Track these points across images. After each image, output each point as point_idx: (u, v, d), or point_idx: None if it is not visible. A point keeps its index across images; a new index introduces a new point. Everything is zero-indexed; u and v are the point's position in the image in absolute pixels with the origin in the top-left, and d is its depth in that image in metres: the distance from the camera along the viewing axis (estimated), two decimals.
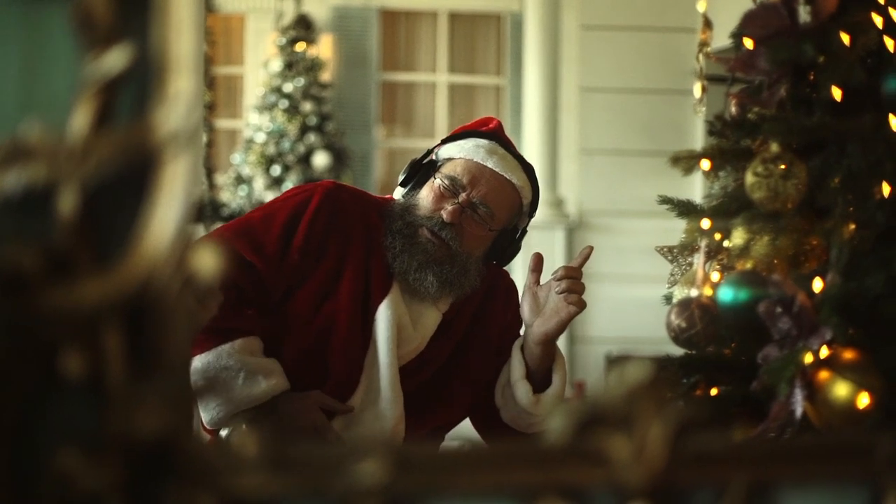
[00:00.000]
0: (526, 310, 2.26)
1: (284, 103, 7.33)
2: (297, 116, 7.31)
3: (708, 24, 2.16)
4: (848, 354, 1.77)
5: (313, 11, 7.41)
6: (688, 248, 2.16)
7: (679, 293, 2.12)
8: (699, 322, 1.95)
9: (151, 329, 0.91)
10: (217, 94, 7.49)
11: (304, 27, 7.36)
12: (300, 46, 7.34)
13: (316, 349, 2.15)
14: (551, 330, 2.23)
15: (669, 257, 2.22)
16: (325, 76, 7.50)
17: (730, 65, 2.01)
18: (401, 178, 2.31)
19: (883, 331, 1.84)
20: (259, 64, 7.61)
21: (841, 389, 1.74)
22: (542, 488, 0.94)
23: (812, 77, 1.97)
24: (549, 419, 0.96)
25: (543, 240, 7.08)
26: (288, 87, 7.33)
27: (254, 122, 7.49)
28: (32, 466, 0.90)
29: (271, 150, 7.35)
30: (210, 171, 6.57)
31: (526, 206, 2.32)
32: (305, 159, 7.38)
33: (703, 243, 2.05)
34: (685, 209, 2.12)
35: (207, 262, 0.92)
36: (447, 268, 2.20)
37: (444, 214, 2.19)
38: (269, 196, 7.31)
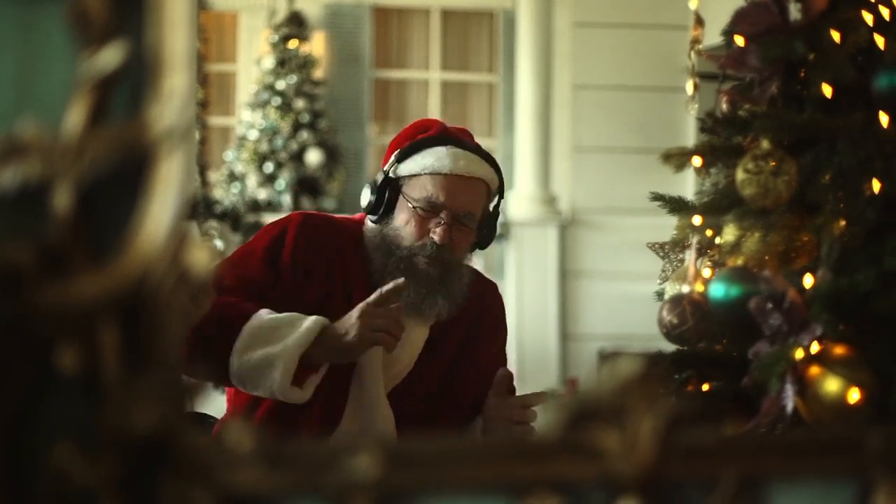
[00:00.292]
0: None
1: (277, 100, 7.34)
2: (290, 113, 7.31)
3: (700, 21, 2.17)
4: (838, 350, 1.78)
5: (306, 8, 7.42)
6: (679, 245, 2.17)
7: (671, 289, 2.13)
8: (691, 318, 1.96)
9: (146, 325, 0.91)
10: (210, 91, 7.48)
11: (296, 24, 7.36)
12: (293, 44, 7.35)
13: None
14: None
15: (661, 254, 2.22)
16: (318, 73, 7.51)
17: (721, 62, 2.02)
18: (364, 202, 2.24)
19: (873, 327, 1.85)
20: (252, 61, 7.62)
21: (831, 385, 1.75)
22: (535, 482, 0.95)
23: (803, 74, 1.98)
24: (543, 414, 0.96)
25: (536, 237, 7.10)
26: (281, 85, 7.34)
27: (246, 120, 7.49)
28: (28, 462, 0.91)
29: (264, 147, 7.35)
30: (203, 169, 6.57)
31: (494, 191, 2.28)
32: (298, 156, 7.38)
33: (694, 240, 2.06)
34: (677, 206, 2.13)
35: (201, 258, 0.92)
36: (448, 282, 2.19)
37: (435, 237, 2.16)
38: (262, 193, 7.31)
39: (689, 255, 2.07)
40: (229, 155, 7.51)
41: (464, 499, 0.96)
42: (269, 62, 7.36)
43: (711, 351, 2.01)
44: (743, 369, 1.84)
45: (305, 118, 7.38)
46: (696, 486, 0.98)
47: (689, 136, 6.60)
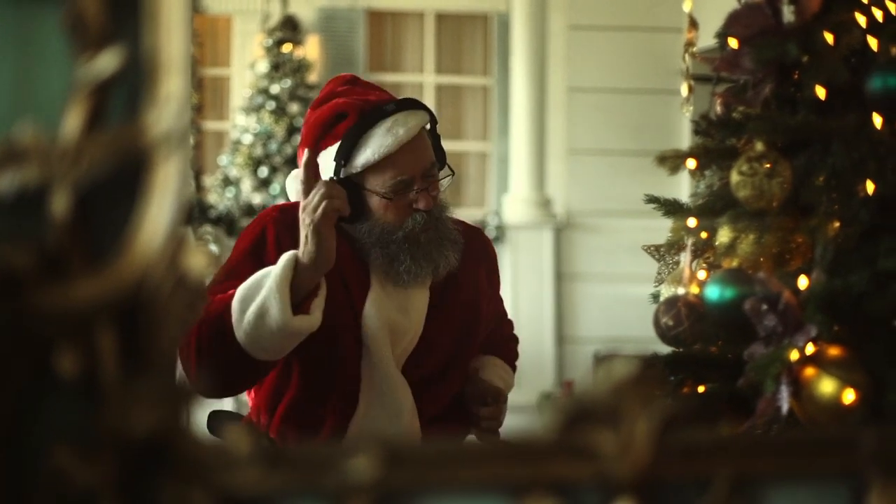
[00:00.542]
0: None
1: (271, 104, 7.33)
2: (284, 118, 7.31)
3: (694, 24, 2.18)
4: (833, 351, 1.79)
5: (300, 13, 7.42)
6: (674, 247, 2.18)
7: (666, 291, 2.13)
8: (686, 320, 1.97)
9: (144, 328, 0.92)
10: (204, 95, 7.48)
11: (290, 28, 7.36)
12: (287, 48, 7.34)
13: (318, 363, 2.13)
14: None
15: (656, 256, 2.23)
16: (312, 77, 7.51)
17: (715, 64, 2.02)
18: (292, 194, 2.19)
19: (867, 328, 1.86)
20: (246, 65, 7.61)
21: (826, 386, 1.76)
22: (531, 483, 0.96)
23: (796, 76, 1.99)
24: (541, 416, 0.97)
25: (532, 240, 7.11)
26: (275, 89, 7.34)
27: (241, 124, 7.48)
28: (27, 464, 0.91)
29: (258, 151, 7.35)
30: (197, 173, 6.56)
31: (427, 119, 2.23)
32: (293, 161, 7.38)
33: (689, 242, 2.06)
34: (671, 208, 2.14)
35: (199, 261, 0.93)
36: (445, 233, 2.19)
37: (421, 206, 2.15)
38: (257, 198, 7.31)
39: (685, 258, 2.08)
40: (224, 159, 7.51)
41: (461, 499, 0.97)
42: (263, 66, 7.36)
43: (707, 352, 2.02)
44: (738, 370, 1.85)
45: (300, 122, 7.38)
46: (691, 487, 0.99)
47: (684, 138, 6.61)
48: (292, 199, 2.21)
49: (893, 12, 1.98)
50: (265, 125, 7.34)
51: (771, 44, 1.93)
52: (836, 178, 1.92)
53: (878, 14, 1.97)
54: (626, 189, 6.81)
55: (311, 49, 7.53)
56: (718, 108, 2.10)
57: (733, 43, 1.99)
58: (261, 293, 2.00)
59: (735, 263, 1.93)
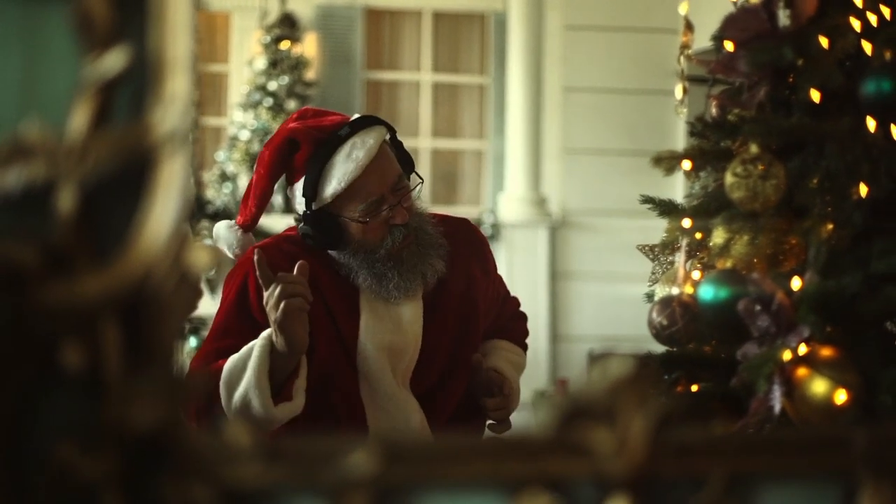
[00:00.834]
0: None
1: (269, 101, 7.33)
2: (282, 114, 7.31)
3: (689, 26, 2.19)
4: (825, 352, 1.80)
5: (298, 10, 7.41)
6: (669, 247, 2.19)
7: (660, 291, 2.14)
8: (680, 319, 1.98)
9: (148, 324, 0.93)
10: (202, 91, 7.48)
11: (288, 25, 7.36)
12: (285, 45, 7.34)
13: (320, 398, 2.12)
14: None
15: (651, 256, 2.24)
16: (310, 74, 7.51)
17: (711, 67, 2.03)
18: (226, 247, 2.22)
19: (859, 329, 1.87)
20: (244, 62, 7.61)
21: (819, 386, 1.77)
22: (528, 479, 0.97)
23: (791, 80, 2.00)
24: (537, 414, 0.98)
25: (527, 238, 7.11)
26: (272, 85, 7.34)
27: (238, 120, 7.48)
28: (31, 457, 0.93)
29: (255, 147, 7.34)
30: (196, 169, 6.55)
31: (385, 132, 2.22)
32: None
33: (683, 242, 2.07)
34: (666, 208, 2.15)
35: (201, 259, 0.94)
36: (428, 242, 2.20)
37: (397, 221, 2.15)
38: None
39: (679, 258, 2.09)
40: (221, 155, 7.51)
41: (459, 495, 0.98)
42: (260, 63, 7.36)
43: (700, 352, 2.03)
44: (731, 370, 1.86)
45: None
46: (685, 484, 1.00)
47: (679, 138, 6.63)
48: (223, 250, 2.22)
49: (888, 17, 1.99)
50: (262, 121, 7.34)
51: (766, 47, 1.94)
52: (829, 181, 1.93)
53: (873, 18, 1.98)
54: (621, 189, 6.82)
55: (308, 46, 7.53)
56: (713, 111, 2.11)
57: (729, 46, 2.00)
58: (242, 382, 2.03)
59: (729, 264, 1.94)
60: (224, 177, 7.42)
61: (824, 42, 1.95)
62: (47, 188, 0.93)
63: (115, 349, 0.92)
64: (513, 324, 2.50)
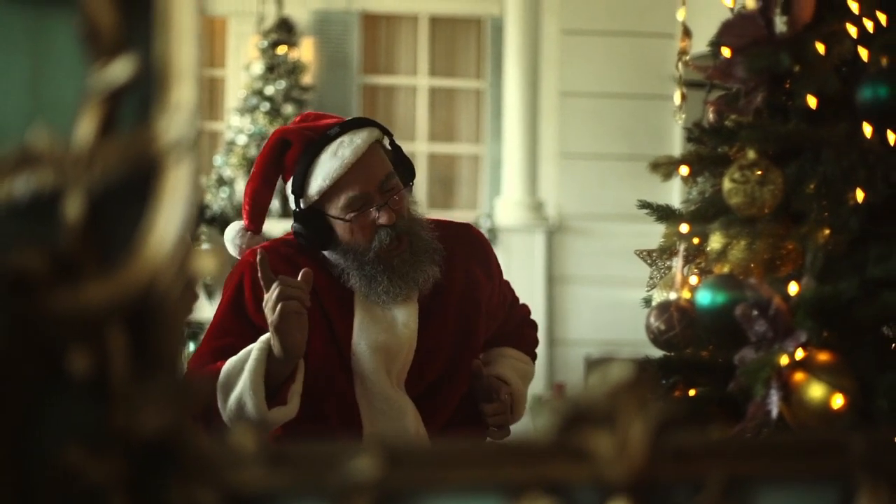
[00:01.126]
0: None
1: (266, 106, 7.34)
2: (279, 119, 7.31)
3: (687, 32, 2.20)
4: (822, 356, 1.81)
5: (295, 15, 7.42)
6: (666, 252, 2.20)
7: (658, 296, 2.15)
8: (678, 324, 1.98)
9: (153, 330, 0.94)
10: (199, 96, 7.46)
11: (285, 30, 7.37)
12: (281, 49, 7.35)
13: (315, 400, 2.13)
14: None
15: (648, 261, 2.25)
16: (307, 79, 7.51)
17: (708, 73, 2.04)
18: (233, 250, 2.24)
19: (856, 334, 1.88)
20: (241, 67, 7.61)
21: (816, 391, 1.78)
22: (528, 483, 0.98)
23: (788, 85, 2.00)
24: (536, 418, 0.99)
25: (524, 243, 7.12)
26: (269, 90, 7.34)
27: (235, 125, 7.49)
28: (39, 461, 0.93)
29: (252, 152, 7.35)
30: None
31: (380, 134, 2.23)
32: None
33: (681, 247, 2.08)
34: (664, 214, 2.16)
35: (207, 265, 0.95)
36: (420, 247, 2.20)
37: (384, 222, 2.14)
38: None
39: (677, 263, 2.10)
40: (218, 160, 7.51)
41: (460, 499, 0.99)
42: (257, 68, 7.36)
43: (698, 357, 2.04)
44: (729, 375, 1.86)
45: None
46: (684, 488, 1.01)
47: (676, 143, 6.64)
48: (231, 252, 2.24)
49: (884, 23, 2.00)
50: (259, 126, 7.34)
51: (763, 53, 1.95)
52: (826, 186, 1.94)
53: (869, 25, 1.99)
54: (618, 193, 6.84)
55: (305, 51, 7.54)
56: (711, 116, 2.12)
57: (726, 52, 2.00)
58: (238, 385, 2.04)
59: (726, 269, 1.95)
60: (221, 181, 7.42)
61: (821, 48, 1.96)
62: (54, 196, 0.93)
63: (121, 355, 0.93)
64: (521, 331, 2.49)
